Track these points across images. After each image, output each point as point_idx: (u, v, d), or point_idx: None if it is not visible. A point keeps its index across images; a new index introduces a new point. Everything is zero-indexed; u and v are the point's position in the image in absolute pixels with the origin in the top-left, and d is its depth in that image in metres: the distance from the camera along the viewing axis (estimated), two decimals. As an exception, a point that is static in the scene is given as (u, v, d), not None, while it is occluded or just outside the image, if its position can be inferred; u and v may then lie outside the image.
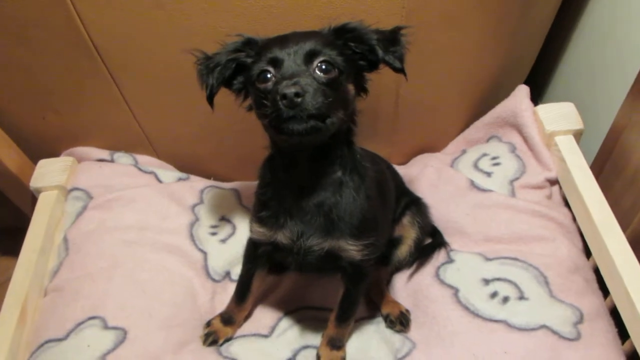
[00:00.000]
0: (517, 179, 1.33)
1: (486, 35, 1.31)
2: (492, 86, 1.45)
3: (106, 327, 1.08)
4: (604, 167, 1.31)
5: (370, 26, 0.90)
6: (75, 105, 1.34)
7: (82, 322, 1.09)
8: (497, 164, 1.37)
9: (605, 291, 1.16)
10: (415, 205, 1.28)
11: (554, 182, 1.34)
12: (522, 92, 1.42)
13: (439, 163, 1.45)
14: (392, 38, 0.90)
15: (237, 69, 0.92)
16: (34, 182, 1.36)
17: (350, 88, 0.91)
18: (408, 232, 1.25)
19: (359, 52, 0.90)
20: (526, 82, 1.48)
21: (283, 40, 0.88)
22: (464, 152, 1.47)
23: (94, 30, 1.15)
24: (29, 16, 1.13)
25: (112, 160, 1.43)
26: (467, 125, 1.53)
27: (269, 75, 0.86)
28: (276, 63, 0.85)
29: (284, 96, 0.78)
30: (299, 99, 0.79)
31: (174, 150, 1.48)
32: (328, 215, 0.96)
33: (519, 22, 1.33)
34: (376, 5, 1.13)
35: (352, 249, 0.98)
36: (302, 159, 0.94)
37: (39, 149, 1.43)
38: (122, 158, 1.44)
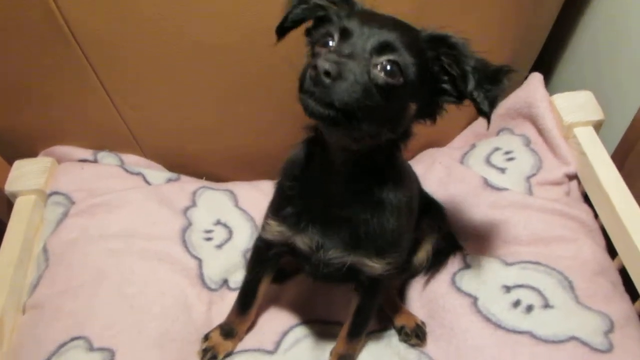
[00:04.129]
0: (533, 175, 1.26)
1: (503, 18, 1.23)
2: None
3: (91, 348, 1.00)
4: (626, 160, 1.24)
5: (476, 52, 0.75)
6: (52, 99, 1.25)
7: (65, 344, 1.01)
8: (511, 159, 1.31)
9: (631, 294, 1.10)
10: (433, 207, 1.20)
11: (572, 177, 1.27)
12: (536, 80, 1.35)
13: (448, 159, 1.37)
14: (493, 75, 0.75)
15: (321, 21, 0.80)
16: (10, 186, 1.27)
17: (411, 107, 0.77)
18: (427, 237, 1.17)
19: (449, 74, 0.76)
20: (532, 69, 1.40)
21: (371, 16, 0.76)
22: (473, 146, 1.39)
23: (68, 11, 1.05)
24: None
25: (95, 161, 1.35)
26: (475, 117, 1.44)
27: (331, 43, 0.74)
28: (345, 34, 0.73)
29: (315, 67, 0.66)
30: (328, 80, 0.66)
31: (163, 148, 1.39)
32: (355, 231, 0.88)
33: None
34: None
35: (375, 266, 0.90)
36: (338, 163, 0.83)
37: (14, 148, 1.35)
38: (107, 158, 1.36)
